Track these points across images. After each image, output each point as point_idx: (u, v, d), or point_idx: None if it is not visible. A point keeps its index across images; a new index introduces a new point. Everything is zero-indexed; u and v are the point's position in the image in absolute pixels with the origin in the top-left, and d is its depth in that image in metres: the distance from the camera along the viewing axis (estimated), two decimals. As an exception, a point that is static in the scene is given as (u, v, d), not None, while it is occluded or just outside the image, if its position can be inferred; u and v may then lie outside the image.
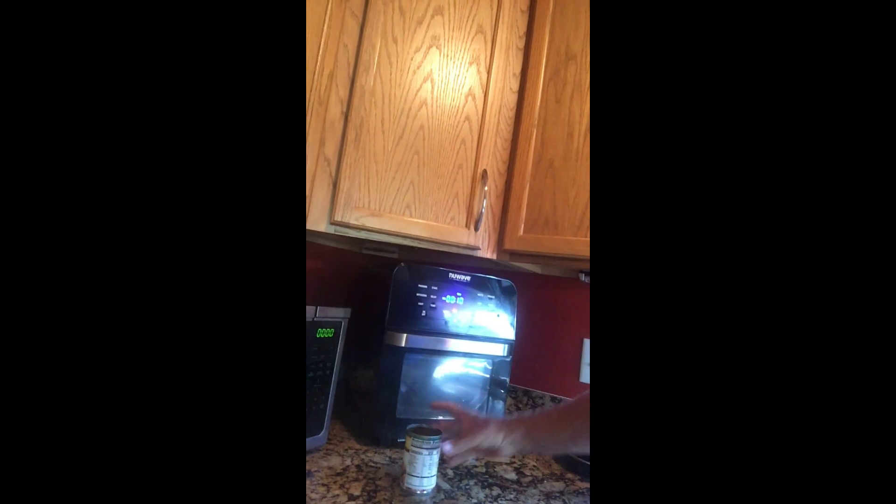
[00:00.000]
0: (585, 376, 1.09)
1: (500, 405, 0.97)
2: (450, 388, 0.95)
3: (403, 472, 0.71)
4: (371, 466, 0.78)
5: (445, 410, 0.76)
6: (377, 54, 0.84)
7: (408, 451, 0.70)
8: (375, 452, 0.84)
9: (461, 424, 0.69)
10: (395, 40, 0.86)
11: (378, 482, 0.72)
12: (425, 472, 0.70)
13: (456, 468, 0.83)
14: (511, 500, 0.74)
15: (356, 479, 0.72)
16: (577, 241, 0.86)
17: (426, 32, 0.89)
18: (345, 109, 0.81)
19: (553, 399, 1.11)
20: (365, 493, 0.68)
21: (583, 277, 1.08)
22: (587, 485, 0.84)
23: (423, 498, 0.69)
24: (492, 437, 0.65)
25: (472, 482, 0.78)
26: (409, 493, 0.69)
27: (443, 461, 0.70)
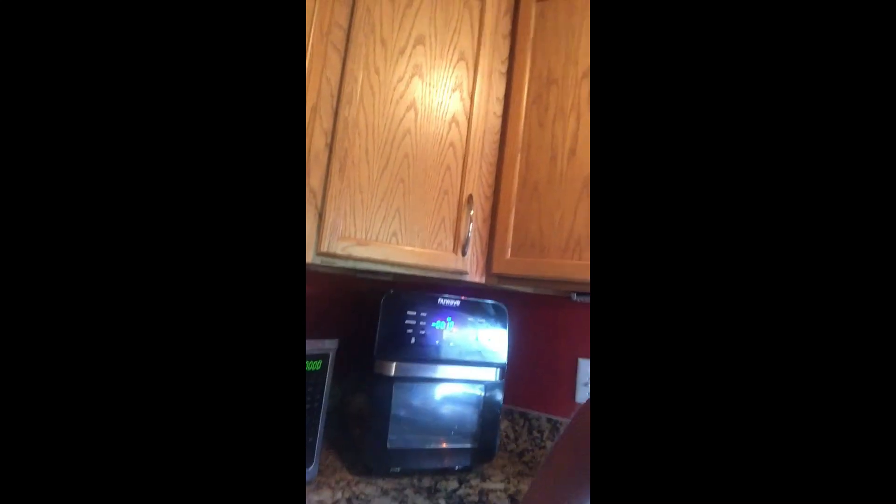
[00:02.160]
0: (582, 396, 1.08)
1: (495, 431, 0.97)
2: (443, 415, 0.94)
3: None
4: (362, 499, 0.77)
5: None
6: (360, 86, 0.85)
7: None
8: (367, 483, 0.83)
9: None
10: (377, 71, 0.87)
11: (368, 516, 0.72)
12: None
13: (448, 497, 0.82)
14: (503, 530, 0.73)
15: (345, 514, 0.71)
16: (563, 265, 0.86)
17: (408, 62, 0.90)
18: (329, 141, 0.82)
19: (549, 420, 1.10)
20: (353, 529, 0.67)
21: (574, 297, 1.08)
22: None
23: None
24: None
25: (464, 512, 0.77)
26: None
27: None
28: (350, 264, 0.85)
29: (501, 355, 0.97)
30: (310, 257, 0.79)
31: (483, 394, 0.96)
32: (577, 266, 0.85)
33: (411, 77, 0.91)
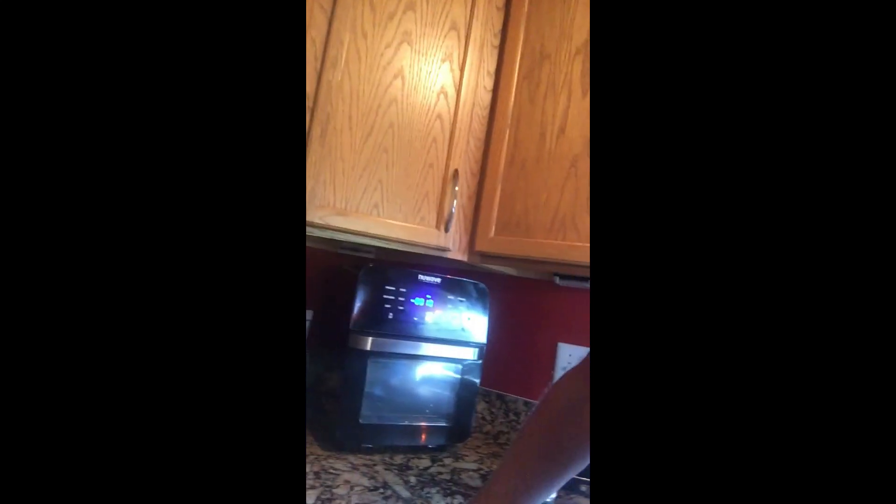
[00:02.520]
0: (559, 381, 1.08)
1: (471, 411, 0.95)
2: (418, 392, 0.93)
3: None
4: (330, 473, 0.75)
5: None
6: (346, 49, 0.81)
7: None
8: (337, 458, 0.81)
9: None
10: (364, 35, 0.83)
11: (335, 490, 0.70)
12: None
13: (419, 475, 0.81)
14: (473, 508, 0.72)
15: (312, 487, 0.69)
16: (547, 245, 0.84)
17: (397, 28, 0.87)
18: (311, 105, 0.79)
19: (526, 403, 1.09)
20: (319, 502, 0.66)
21: (557, 280, 1.06)
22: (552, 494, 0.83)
23: None
24: None
25: (434, 490, 0.76)
26: None
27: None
28: (328, 234, 0.82)
29: (481, 336, 0.96)
30: (286, 225, 0.76)
31: (460, 373, 0.94)
32: (561, 247, 0.83)
33: (400, 44, 0.87)
